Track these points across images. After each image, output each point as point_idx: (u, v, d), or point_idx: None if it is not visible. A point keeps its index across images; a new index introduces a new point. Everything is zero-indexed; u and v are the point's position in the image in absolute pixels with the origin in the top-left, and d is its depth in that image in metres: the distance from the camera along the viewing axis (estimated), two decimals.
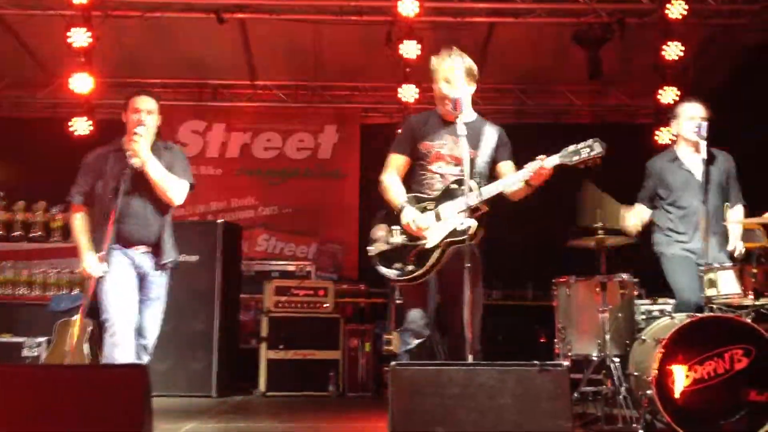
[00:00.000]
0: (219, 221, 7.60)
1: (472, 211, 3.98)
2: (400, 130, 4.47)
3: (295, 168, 10.63)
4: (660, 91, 9.11)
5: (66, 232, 8.43)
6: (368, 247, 4.17)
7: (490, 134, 4.29)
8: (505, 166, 4.30)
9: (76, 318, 6.38)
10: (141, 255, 4.63)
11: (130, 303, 4.54)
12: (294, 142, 10.69)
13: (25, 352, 6.97)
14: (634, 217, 5.37)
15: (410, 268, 4.05)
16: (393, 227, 4.11)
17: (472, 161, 4.08)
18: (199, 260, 7.10)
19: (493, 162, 4.26)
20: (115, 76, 9.70)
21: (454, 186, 4.11)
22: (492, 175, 4.25)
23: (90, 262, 4.50)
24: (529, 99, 10.61)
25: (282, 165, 10.63)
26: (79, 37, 8.32)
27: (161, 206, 4.70)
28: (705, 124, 4.98)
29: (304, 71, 10.19)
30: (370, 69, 9.98)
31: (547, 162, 4.06)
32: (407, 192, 4.19)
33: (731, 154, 5.43)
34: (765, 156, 7.96)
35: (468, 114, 4.23)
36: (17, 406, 2.89)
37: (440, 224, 4.07)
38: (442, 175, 4.18)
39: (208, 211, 10.32)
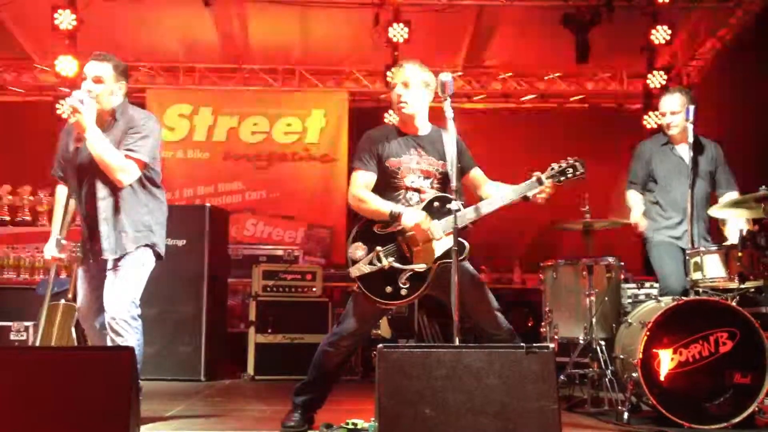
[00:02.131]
0: (206, 205, 7.57)
1: (461, 230, 3.91)
2: (361, 146, 4.20)
3: (283, 152, 10.60)
4: (648, 76, 9.15)
5: (52, 216, 8.40)
6: (349, 269, 3.97)
7: (449, 143, 4.15)
8: (477, 173, 4.26)
9: (64, 302, 6.44)
10: (102, 241, 4.28)
11: (93, 303, 4.35)
12: (282, 126, 10.65)
13: (13, 336, 6.94)
14: (636, 210, 5.31)
15: (404, 292, 3.92)
16: (379, 249, 3.94)
17: (444, 174, 4.05)
18: (186, 244, 7.07)
19: (461, 171, 4.14)
20: None
21: (436, 203, 4.01)
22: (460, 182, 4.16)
23: (47, 246, 4.38)
24: (517, 82, 10.60)
25: (269, 149, 10.59)
26: (65, 20, 8.30)
27: (113, 186, 4.26)
28: (692, 107, 4.98)
29: (292, 55, 10.15)
30: (358, 52, 9.95)
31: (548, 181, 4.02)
32: None
33: (718, 138, 5.46)
34: (751, 137, 8.01)
35: (424, 126, 4.20)
36: (4, 387, 2.88)
37: (433, 244, 3.96)
38: (417, 190, 4.09)
39: (195, 195, 10.29)
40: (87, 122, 4.12)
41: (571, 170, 4.05)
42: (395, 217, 3.94)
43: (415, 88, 4.14)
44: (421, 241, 3.96)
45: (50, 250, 4.39)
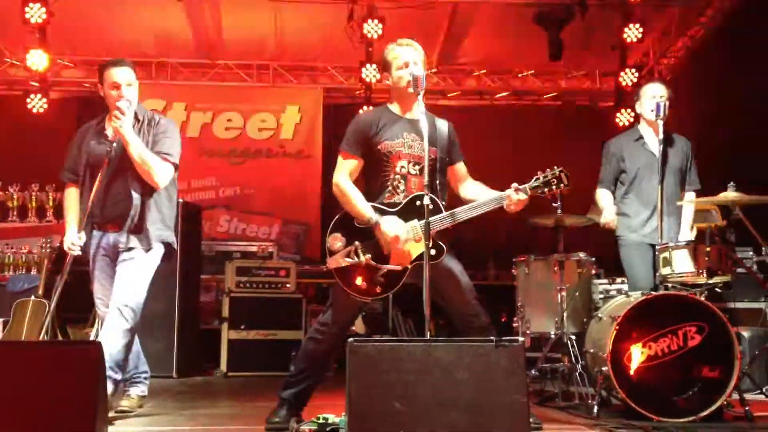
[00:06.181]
0: (179, 200, 7.51)
1: (441, 231, 3.92)
2: (350, 129, 4.11)
3: (257, 148, 10.55)
4: (621, 74, 9.23)
5: (22, 211, 8.34)
6: (327, 260, 3.96)
7: (442, 129, 4.14)
8: (461, 167, 4.23)
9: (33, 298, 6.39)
10: (116, 235, 4.49)
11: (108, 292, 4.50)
12: (256, 122, 10.60)
13: None
14: (609, 211, 5.36)
15: (378, 289, 3.93)
16: (357, 243, 3.92)
17: (434, 160, 3.97)
18: None
19: (448, 162, 4.15)
20: (72, 53, 9.56)
21: (418, 202, 3.90)
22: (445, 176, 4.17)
23: (69, 239, 4.43)
24: (492, 80, 10.64)
25: (243, 145, 10.54)
26: (35, 13, 8.21)
27: (144, 185, 4.48)
28: (665, 103, 5.01)
29: (266, 50, 10.11)
30: (332, 49, 9.93)
31: (522, 194, 3.96)
32: (365, 198, 4.00)
33: (689, 136, 5.51)
34: (722, 135, 8.09)
35: (418, 109, 3.97)
36: None
37: (411, 245, 3.95)
38: (405, 177, 4.03)
39: None
40: (127, 128, 4.34)
41: (555, 181, 3.98)
42: (373, 226, 3.92)
43: (422, 66, 4.04)
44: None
45: (71, 244, 4.40)
